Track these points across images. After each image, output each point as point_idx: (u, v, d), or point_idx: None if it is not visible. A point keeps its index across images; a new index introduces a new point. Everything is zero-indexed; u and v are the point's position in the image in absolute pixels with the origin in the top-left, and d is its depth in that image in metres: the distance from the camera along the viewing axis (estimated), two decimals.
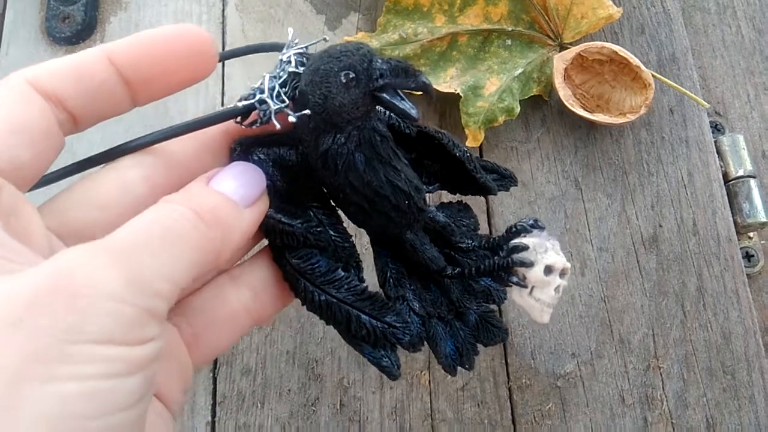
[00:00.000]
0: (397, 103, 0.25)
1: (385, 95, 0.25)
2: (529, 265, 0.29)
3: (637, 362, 0.41)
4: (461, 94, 0.45)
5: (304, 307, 0.29)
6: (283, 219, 0.27)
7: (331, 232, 0.29)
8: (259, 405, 0.41)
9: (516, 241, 0.30)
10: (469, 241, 0.32)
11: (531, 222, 0.30)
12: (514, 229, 0.30)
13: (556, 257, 0.29)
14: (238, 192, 0.24)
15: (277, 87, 0.25)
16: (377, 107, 0.27)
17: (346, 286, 0.28)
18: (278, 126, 0.25)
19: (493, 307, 0.34)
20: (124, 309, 0.17)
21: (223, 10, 0.51)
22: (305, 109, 0.25)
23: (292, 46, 0.27)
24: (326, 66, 0.25)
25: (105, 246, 0.19)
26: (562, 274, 0.30)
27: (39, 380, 0.15)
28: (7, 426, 0.15)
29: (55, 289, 0.17)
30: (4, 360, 0.15)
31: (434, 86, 0.45)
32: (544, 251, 0.30)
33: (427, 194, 0.33)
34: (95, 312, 0.17)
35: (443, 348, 0.31)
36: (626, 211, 0.45)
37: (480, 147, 0.46)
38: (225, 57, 0.29)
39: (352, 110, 0.25)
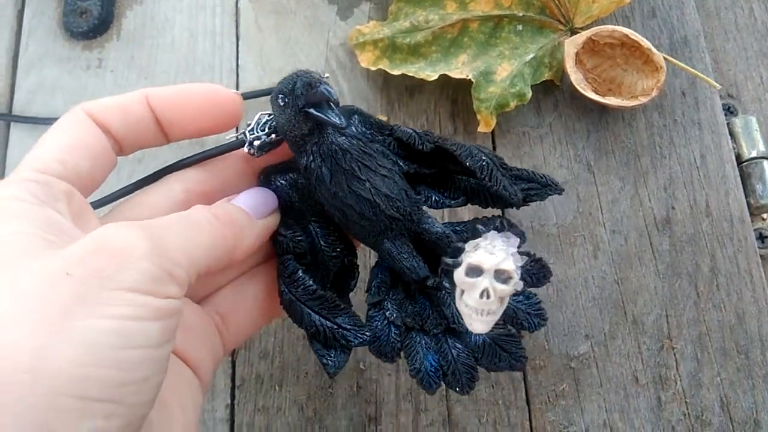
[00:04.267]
0: (322, 116, 0.28)
1: (312, 110, 0.28)
2: (454, 266, 0.27)
3: (651, 343, 0.42)
4: (473, 79, 0.45)
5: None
6: (281, 230, 0.31)
7: (321, 242, 0.32)
8: (277, 388, 0.41)
9: (457, 243, 0.28)
10: None
11: (493, 224, 0.28)
12: (467, 232, 0.29)
13: (484, 257, 0.26)
14: (251, 206, 0.30)
15: (265, 119, 0.31)
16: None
17: (302, 286, 0.31)
18: (245, 150, 0.31)
19: (514, 331, 0.32)
20: (149, 266, 0.22)
21: (237, 2, 0.51)
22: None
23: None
24: (273, 93, 0.30)
25: (137, 224, 0.24)
26: (506, 278, 0.26)
27: (84, 316, 0.20)
28: (57, 345, 0.19)
29: (99, 249, 0.21)
30: (60, 299, 0.20)
31: (446, 72, 0.46)
32: (473, 250, 0.27)
33: (457, 208, 0.34)
34: (127, 266, 0.21)
35: (416, 362, 0.31)
36: (639, 194, 0.45)
37: (492, 132, 0.47)
38: (245, 98, 0.36)
39: (293, 128, 0.29)
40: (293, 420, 0.41)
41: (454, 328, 0.32)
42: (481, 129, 0.45)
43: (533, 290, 0.33)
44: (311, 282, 0.31)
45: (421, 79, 0.45)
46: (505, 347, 0.32)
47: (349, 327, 0.31)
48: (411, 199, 0.31)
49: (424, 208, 0.33)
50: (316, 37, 0.50)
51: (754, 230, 0.45)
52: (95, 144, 0.27)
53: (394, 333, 0.31)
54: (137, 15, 0.52)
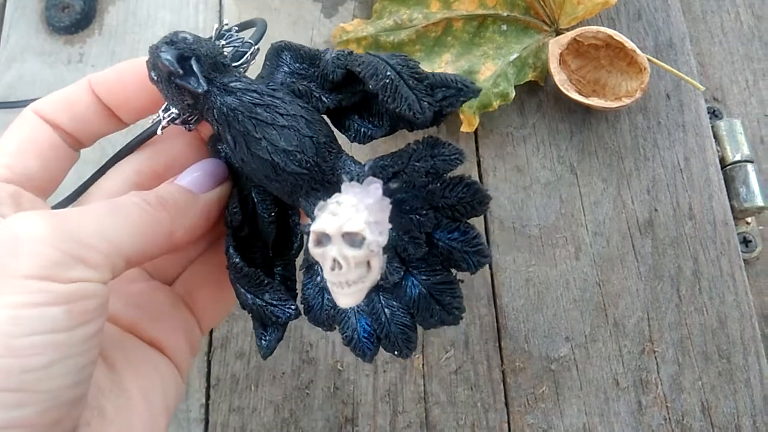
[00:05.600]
0: (184, 83, 0.26)
1: (177, 80, 0.26)
2: (308, 234, 0.24)
3: (632, 346, 0.41)
4: None
5: None
6: (228, 204, 0.29)
7: (259, 208, 0.30)
8: (252, 388, 0.41)
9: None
10: None
11: (357, 176, 0.25)
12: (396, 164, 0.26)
13: (326, 220, 0.22)
14: (193, 182, 0.28)
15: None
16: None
17: (233, 264, 0.29)
18: (159, 131, 0.29)
19: (458, 276, 0.27)
20: (48, 251, 0.21)
21: None
22: None
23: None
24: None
25: (46, 211, 0.23)
26: (359, 241, 0.22)
27: None
28: None
29: (1, 238, 0.21)
30: None
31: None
32: (320, 213, 0.23)
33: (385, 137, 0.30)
34: (24, 252, 0.21)
35: (348, 329, 0.27)
36: (622, 196, 0.45)
37: (475, 132, 0.46)
38: None
39: (175, 101, 0.27)
40: (268, 420, 0.40)
41: (381, 284, 0.27)
42: (464, 129, 0.45)
43: (471, 222, 0.27)
44: (238, 259, 0.29)
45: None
46: (439, 298, 0.26)
47: (275, 302, 0.29)
48: (319, 147, 0.27)
49: (356, 145, 0.30)
50: (300, 35, 0.49)
51: (738, 234, 0.44)
52: (44, 142, 0.27)
53: (327, 299, 0.28)
54: (120, 10, 0.51)
